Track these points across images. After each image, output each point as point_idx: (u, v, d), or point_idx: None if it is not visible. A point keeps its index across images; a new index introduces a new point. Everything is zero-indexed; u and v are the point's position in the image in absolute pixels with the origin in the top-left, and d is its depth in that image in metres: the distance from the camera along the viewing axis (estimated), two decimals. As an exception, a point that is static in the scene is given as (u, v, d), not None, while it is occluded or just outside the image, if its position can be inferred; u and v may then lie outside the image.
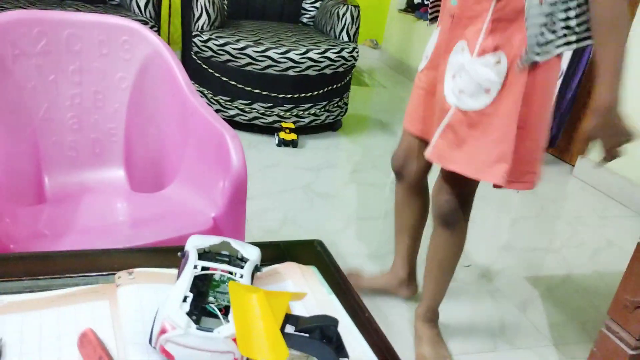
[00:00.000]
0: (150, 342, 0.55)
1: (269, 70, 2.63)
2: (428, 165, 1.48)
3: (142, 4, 2.71)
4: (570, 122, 2.98)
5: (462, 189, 1.32)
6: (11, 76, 1.19)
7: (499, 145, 1.16)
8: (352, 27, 2.89)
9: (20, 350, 0.54)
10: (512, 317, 1.71)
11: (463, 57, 1.17)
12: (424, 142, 1.36)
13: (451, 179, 1.30)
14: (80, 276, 0.67)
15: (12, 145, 1.20)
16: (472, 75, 1.15)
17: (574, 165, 3.01)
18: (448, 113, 1.21)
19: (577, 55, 2.81)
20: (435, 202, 1.36)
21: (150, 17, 2.74)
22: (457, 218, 1.35)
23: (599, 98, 1.08)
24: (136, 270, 0.66)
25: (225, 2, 3.05)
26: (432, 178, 1.44)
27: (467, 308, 1.72)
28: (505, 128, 1.15)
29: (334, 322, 0.57)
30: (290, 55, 2.62)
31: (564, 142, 3.05)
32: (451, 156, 1.24)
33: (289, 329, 0.58)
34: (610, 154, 1.14)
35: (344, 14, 2.89)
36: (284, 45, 2.64)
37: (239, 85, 2.67)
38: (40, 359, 0.53)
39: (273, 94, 2.68)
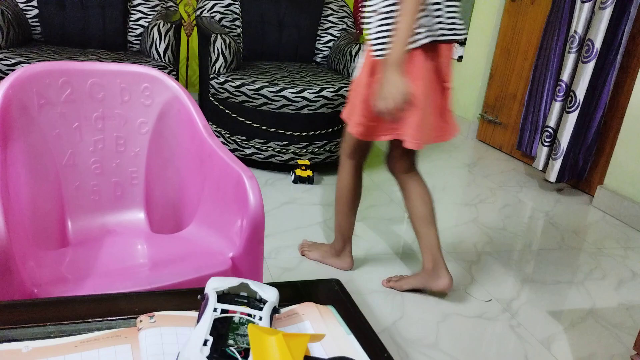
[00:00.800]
0: (171, 386, 0.56)
1: (284, 110, 2.68)
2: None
3: (161, 50, 2.81)
4: (589, 152, 2.97)
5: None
6: (36, 124, 1.24)
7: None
8: (364, 65, 2.95)
9: (45, 395, 0.55)
10: (536, 353, 1.67)
11: None
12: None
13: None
14: (102, 320, 0.69)
15: (37, 190, 1.23)
16: None
17: (593, 195, 2.97)
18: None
19: (597, 91, 2.83)
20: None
21: (169, 62, 2.84)
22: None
23: (389, 54, 1.45)
24: (157, 313, 0.68)
25: (241, 44, 3.14)
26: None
27: (490, 344, 1.69)
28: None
29: (352, 363, 0.57)
30: (305, 94, 2.68)
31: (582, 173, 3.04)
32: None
33: (308, 371, 0.58)
34: (387, 103, 1.46)
35: (357, 52, 2.96)
36: (299, 85, 2.70)
37: (255, 125, 2.72)
38: (64, 404, 0.54)
39: (288, 132, 2.73)
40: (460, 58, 4.08)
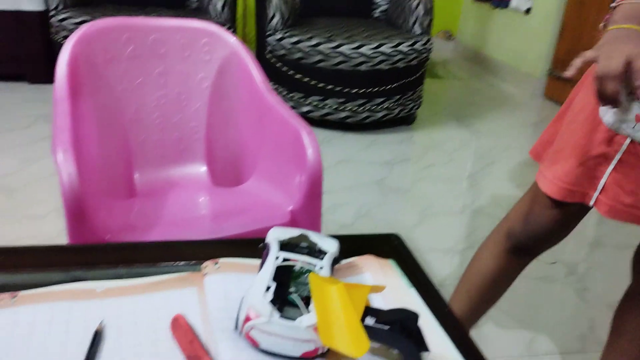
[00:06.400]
0: (236, 328, 0.57)
1: (342, 66, 2.64)
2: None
3: (219, 7, 2.81)
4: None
5: None
6: (103, 80, 1.28)
7: None
8: (425, 19, 2.83)
9: (119, 332, 0.58)
10: (602, 317, 1.61)
11: None
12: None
13: None
14: (169, 265, 0.71)
15: (106, 144, 1.28)
16: None
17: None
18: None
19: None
20: None
21: (227, 18, 2.84)
22: None
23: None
24: (221, 260, 0.69)
25: (298, 0, 3.09)
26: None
27: (553, 307, 1.64)
28: None
29: (414, 315, 0.57)
30: (363, 50, 2.62)
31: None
32: None
33: (369, 321, 0.58)
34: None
35: (417, 6, 2.84)
36: (356, 41, 2.64)
37: (311, 82, 2.70)
38: (137, 340, 0.57)
39: (345, 90, 2.69)
40: (528, 10, 3.84)
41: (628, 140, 0.90)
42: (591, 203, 0.97)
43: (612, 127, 0.91)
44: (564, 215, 1.05)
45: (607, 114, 0.91)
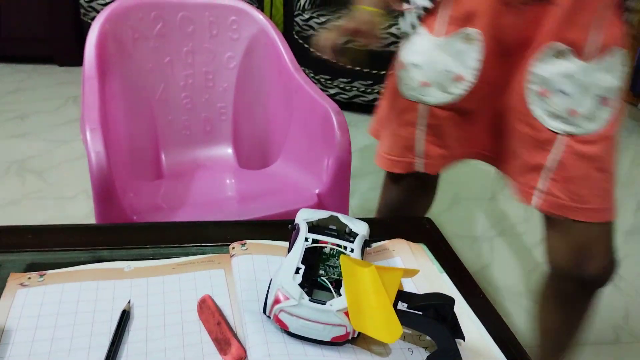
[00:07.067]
0: (264, 312, 0.56)
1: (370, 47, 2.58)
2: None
3: (246, -13, 2.79)
4: None
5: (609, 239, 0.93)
6: (131, 58, 1.27)
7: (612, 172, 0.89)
8: None
9: (147, 312, 0.57)
10: (636, 307, 1.56)
11: (566, 65, 0.82)
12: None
13: (595, 234, 0.91)
14: (196, 246, 0.70)
15: (134, 124, 1.28)
16: (588, 87, 0.83)
17: None
18: (554, 144, 0.86)
19: None
20: (583, 271, 0.92)
21: (254, -1, 2.81)
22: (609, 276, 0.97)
23: None
24: (248, 241, 0.68)
25: (326, -20, 3.03)
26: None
27: (585, 296, 1.60)
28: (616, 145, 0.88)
29: (449, 301, 0.54)
30: (392, 30, 2.56)
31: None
32: (580, 200, 0.88)
33: (402, 306, 0.56)
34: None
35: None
36: (386, 21, 2.58)
37: (339, 63, 2.65)
38: (164, 320, 0.56)
39: (374, 71, 2.64)
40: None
41: (424, 107, 0.93)
42: (418, 169, 0.99)
43: (406, 96, 0.95)
44: (408, 185, 1.07)
45: (402, 84, 0.96)
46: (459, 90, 0.90)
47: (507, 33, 0.84)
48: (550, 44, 0.81)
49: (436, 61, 0.90)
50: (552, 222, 0.93)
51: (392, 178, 1.07)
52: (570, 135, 0.84)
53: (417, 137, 0.97)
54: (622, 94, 0.87)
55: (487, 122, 0.95)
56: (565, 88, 0.83)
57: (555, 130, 0.85)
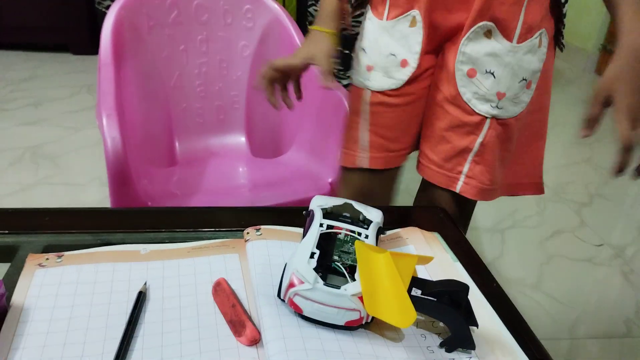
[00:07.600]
0: (278, 295, 0.56)
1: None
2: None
3: (259, -23, 2.78)
4: None
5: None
6: (147, 46, 1.27)
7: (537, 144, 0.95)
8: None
9: (162, 294, 0.58)
10: (650, 303, 1.55)
11: (492, 45, 0.82)
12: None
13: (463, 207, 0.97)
14: (211, 231, 0.71)
15: (148, 111, 1.29)
16: (514, 69, 0.83)
17: None
18: (482, 128, 0.86)
19: None
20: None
21: (267, -11, 2.81)
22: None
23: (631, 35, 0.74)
24: (263, 227, 0.68)
25: (340, -30, 3.02)
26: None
27: (598, 290, 1.58)
28: (539, 124, 0.93)
29: (464, 287, 0.54)
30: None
31: None
32: (495, 182, 0.91)
33: (416, 292, 0.56)
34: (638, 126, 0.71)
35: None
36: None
37: (352, 54, 2.64)
38: (180, 303, 0.56)
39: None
40: (581, -19, 3.65)
41: (367, 93, 0.91)
42: (361, 164, 0.95)
43: (354, 82, 0.95)
44: (358, 181, 1.00)
45: (352, 71, 0.95)
46: (403, 75, 0.88)
47: (442, 15, 0.83)
48: (480, 23, 0.81)
49: (380, 44, 0.89)
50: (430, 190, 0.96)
51: (345, 171, 1.02)
52: (495, 117, 0.85)
53: (361, 126, 0.94)
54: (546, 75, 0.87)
55: (421, 110, 0.93)
56: (492, 69, 0.83)
57: (483, 114, 0.85)
